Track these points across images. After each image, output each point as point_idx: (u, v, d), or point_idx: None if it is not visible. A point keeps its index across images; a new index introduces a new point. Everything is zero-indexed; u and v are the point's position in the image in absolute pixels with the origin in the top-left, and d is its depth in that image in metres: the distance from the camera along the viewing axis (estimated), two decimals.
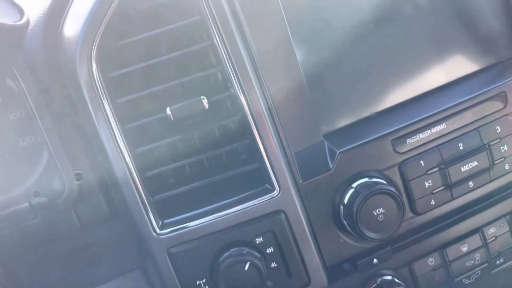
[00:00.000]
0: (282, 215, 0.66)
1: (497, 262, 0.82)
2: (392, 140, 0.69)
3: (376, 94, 0.74)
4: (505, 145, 0.72)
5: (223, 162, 0.66)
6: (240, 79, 0.64)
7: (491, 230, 0.82)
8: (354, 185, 0.68)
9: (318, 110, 0.70)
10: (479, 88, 0.72)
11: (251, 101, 0.64)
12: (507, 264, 0.83)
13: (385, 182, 0.68)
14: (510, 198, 0.83)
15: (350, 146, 0.68)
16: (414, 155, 0.70)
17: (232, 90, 0.64)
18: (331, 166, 0.68)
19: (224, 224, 0.65)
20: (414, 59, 0.75)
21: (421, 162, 0.70)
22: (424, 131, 0.70)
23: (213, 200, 0.66)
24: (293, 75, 0.67)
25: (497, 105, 0.72)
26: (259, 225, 0.65)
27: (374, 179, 0.68)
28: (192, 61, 0.64)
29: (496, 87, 0.72)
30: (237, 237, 0.65)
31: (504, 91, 0.72)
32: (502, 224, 0.82)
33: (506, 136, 0.72)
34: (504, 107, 0.72)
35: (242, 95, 0.64)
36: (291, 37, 0.66)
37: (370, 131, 0.70)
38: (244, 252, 0.63)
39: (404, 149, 0.69)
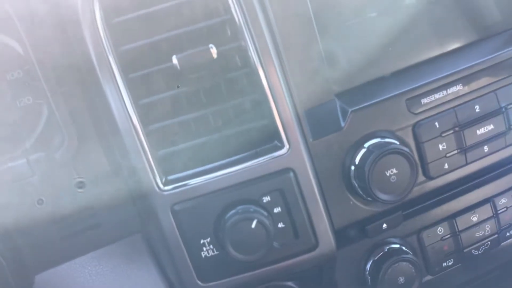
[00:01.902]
0: (291, 173, 0.63)
1: (507, 234, 0.80)
2: (406, 100, 0.66)
3: (391, 55, 0.71)
4: None
5: (231, 118, 0.63)
6: (251, 30, 0.61)
7: (502, 201, 0.79)
8: (366, 144, 0.65)
9: (331, 69, 0.67)
10: (497, 49, 0.70)
11: (262, 53, 0.61)
12: None
13: (398, 143, 0.65)
14: None
15: (363, 105, 0.66)
16: (429, 116, 0.67)
17: (242, 42, 0.61)
18: (342, 124, 0.65)
19: (231, 182, 0.62)
20: (431, 21, 0.72)
21: (436, 123, 0.67)
22: (439, 91, 0.67)
23: (219, 156, 0.63)
24: (306, 32, 0.64)
25: None
26: (267, 183, 0.63)
27: (386, 139, 0.65)
28: (200, 9, 0.61)
29: None
30: (244, 196, 0.62)
31: None
32: None
33: None
34: None
35: (252, 46, 0.61)
36: None
37: (384, 91, 0.67)
38: (251, 209, 0.61)
39: (418, 109, 0.67)
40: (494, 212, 0.79)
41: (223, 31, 0.62)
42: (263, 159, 0.63)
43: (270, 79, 0.62)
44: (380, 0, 0.71)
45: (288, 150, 0.63)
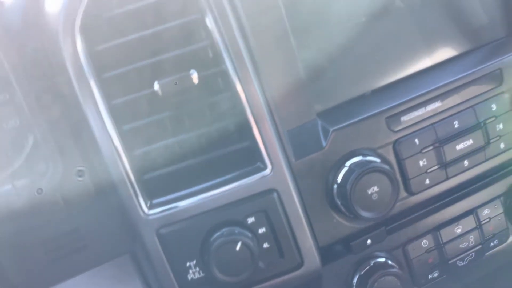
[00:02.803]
0: (275, 194, 0.64)
1: (491, 244, 0.81)
2: (386, 118, 0.68)
3: (371, 72, 0.72)
4: (501, 124, 0.71)
5: (215, 140, 0.64)
6: (232, 55, 0.62)
7: (485, 212, 0.81)
8: (348, 163, 0.66)
9: (312, 88, 0.68)
10: (475, 65, 0.71)
11: (242, 77, 0.62)
12: (501, 246, 0.82)
13: (379, 161, 0.66)
14: (504, 179, 0.82)
15: (344, 124, 0.67)
16: (409, 133, 0.69)
17: (223, 66, 0.62)
18: (324, 144, 0.66)
19: (215, 204, 0.63)
20: (410, 37, 0.74)
21: (416, 140, 0.68)
22: (418, 108, 0.69)
23: (204, 179, 0.64)
24: (286, 53, 0.65)
25: (492, 82, 0.71)
26: (251, 204, 0.64)
27: (368, 158, 0.67)
28: (182, 34, 0.62)
29: (491, 64, 0.71)
30: (228, 217, 0.63)
31: (500, 69, 0.71)
32: (496, 206, 0.81)
33: (501, 114, 0.71)
34: (500, 85, 0.71)
35: (233, 70, 0.62)
36: (285, 14, 0.64)
37: (364, 109, 0.68)
38: (236, 231, 0.62)
39: (398, 127, 0.68)
40: (477, 223, 0.80)
41: (205, 56, 0.63)
42: (247, 181, 0.63)
43: (251, 101, 0.63)
44: (362, 16, 0.72)
45: (271, 171, 0.64)
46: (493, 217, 0.81)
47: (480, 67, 0.71)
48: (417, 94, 0.69)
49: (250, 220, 0.64)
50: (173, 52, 0.61)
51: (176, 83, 0.60)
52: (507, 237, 0.83)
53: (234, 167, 0.64)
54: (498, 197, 0.81)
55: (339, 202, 0.67)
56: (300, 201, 0.66)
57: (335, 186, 0.66)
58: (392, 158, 0.69)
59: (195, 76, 0.61)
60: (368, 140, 0.67)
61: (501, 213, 0.81)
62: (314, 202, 0.67)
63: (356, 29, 0.71)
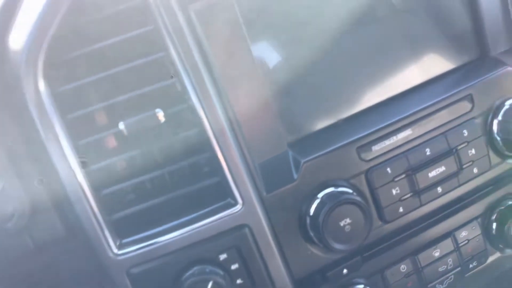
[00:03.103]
0: (246, 229, 0.64)
1: (470, 265, 0.81)
2: (357, 148, 0.67)
3: (342, 100, 0.72)
4: (473, 149, 0.71)
5: (185, 176, 0.64)
6: (198, 90, 0.61)
7: (463, 234, 0.80)
8: (320, 195, 0.66)
9: (282, 119, 0.68)
10: (445, 91, 0.71)
11: (209, 112, 0.61)
12: (480, 267, 0.82)
13: (351, 191, 0.66)
14: (481, 201, 0.82)
15: (315, 155, 0.66)
16: (381, 162, 0.68)
17: (189, 102, 0.62)
18: (295, 176, 0.66)
19: (186, 241, 0.62)
20: (380, 64, 0.74)
21: (388, 169, 0.68)
22: (389, 137, 0.68)
23: (175, 216, 0.63)
24: (254, 83, 0.65)
25: (463, 108, 0.71)
26: (223, 241, 0.63)
27: (340, 189, 0.66)
28: (146, 72, 0.61)
29: (462, 89, 0.71)
30: (200, 255, 0.62)
31: (471, 94, 0.71)
32: (474, 227, 0.81)
33: (473, 139, 0.71)
34: (471, 110, 0.71)
35: (200, 106, 0.61)
36: (250, 44, 0.63)
37: (335, 139, 0.68)
38: (207, 270, 0.61)
39: (369, 156, 0.68)
40: (455, 246, 0.79)
41: (171, 93, 0.62)
42: (218, 217, 0.63)
43: (219, 136, 0.62)
44: (329, 45, 0.72)
45: (242, 207, 0.63)
46: (471, 238, 0.80)
47: (451, 92, 0.70)
48: (387, 123, 0.68)
49: (222, 256, 0.63)
50: (138, 91, 0.60)
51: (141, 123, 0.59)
52: (486, 258, 0.82)
53: (205, 204, 0.63)
54: (475, 218, 0.81)
55: (312, 234, 0.66)
56: (272, 235, 0.65)
57: (308, 218, 0.66)
58: (365, 188, 0.68)
59: (161, 115, 0.60)
60: (340, 170, 0.67)
61: (479, 234, 0.81)
62: (288, 235, 0.66)
63: (326, 57, 0.71)
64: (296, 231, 0.67)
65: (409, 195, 0.69)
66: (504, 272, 0.87)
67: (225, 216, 0.63)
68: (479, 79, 0.71)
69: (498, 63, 0.73)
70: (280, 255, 0.66)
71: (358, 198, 0.64)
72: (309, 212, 0.66)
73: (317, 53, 0.71)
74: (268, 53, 0.69)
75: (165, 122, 0.60)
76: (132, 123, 0.59)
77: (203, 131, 0.61)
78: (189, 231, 0.62)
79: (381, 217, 0.69)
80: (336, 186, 0.67)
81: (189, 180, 0.63)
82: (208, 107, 0.61)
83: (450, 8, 0.77)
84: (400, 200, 0.69)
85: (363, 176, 0.68)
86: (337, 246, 0.64)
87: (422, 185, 0.69)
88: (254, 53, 0.64)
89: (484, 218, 0.82)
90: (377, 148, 0.68)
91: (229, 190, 0.63)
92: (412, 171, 0.69)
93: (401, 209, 0.69)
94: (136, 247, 0.62)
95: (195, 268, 0.61)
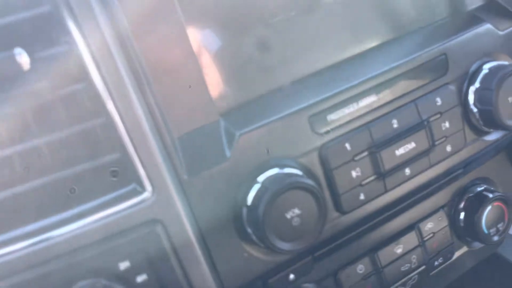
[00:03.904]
0: (159, 226, 0.46)
1: (436, 263, 0.70)
2: (310, 117, 0.52)
3: (290, 58, 0.56)
4: (447, 122, 0.58)
5: (70, 151, 0.45)
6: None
7: (428, 226, 0.69)
8: (260, 178, 0.49)
9: (214, 80, 0.51)
10: (416, 50, 0.57)
11: (100, 55, 0.43)
12: (446, 264, 0.70)
13: (301, 173, 0.50)
14: (448, 187, 0.70)
15: (255, 126, 0.50)
16: (338, 137, 0.53)
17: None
18: (228, 154, 0.49)
19: (69, 246, 0.43)
20: (335, 17, 0.58)
21: (347, 145, 0.53)
22: (349, 104, 0.53)
23: (51, 210, 0.44)
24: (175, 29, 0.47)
25: (436, 71, 0.58)
26: (124, 243, 0.45)
27: (286, 170, 0.50)
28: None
29: (435, 48, 0.57)
30: (91, 263, 0.44)
31: (445, 53, 0.58)
32: (440, 218, 0.70)
33: (447, 110, 0.58)
34: (445, 74, 0.58)
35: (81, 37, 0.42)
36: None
37: (282, 106, 0.52)
38: (98, 286, 0.42)
39: (324, 128, 0.52)
40: (420, 240, 0.68)
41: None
42: (117, 210, 0.44)
43: (116, 92, 0.44)
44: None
45: (151, 195, 0.45)
46: (437, 231, 0.69)
47: (422, 51, 0.57)
48: (346, 86, 0.53)
49: (124, 265, 0.45)
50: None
51: None
52: (452, 254, 0.72)
53: (98, 192, 0.45)
54: (442, 207, 0.70)
55: (250, 231, 0.50)
56: (196, 233, 0.48)
57: (245, 209, 0.49)
58: (318, 169, 0.53)
59: (24, 58, 0.41)
60: (286, 146, 0.51)
61: (445, 226, 0.70)
62: (217, 233, 0.49)
63: (277, 17, 0.55)
64: (228, 227, 0.50)
65: (372, 178, 0.55)
66: (469, 271, 0.76)
67: (127, 209, 0.45)
68: (454, 37, 0.58)
69: (475, 19, 0.61)
70: (206, 261, 0.49)
71: (310, 182, 0.49)
72: (246, 202, 0.49)
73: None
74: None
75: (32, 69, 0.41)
76: None
77: (91, 83, 0.43)
78: (72, 230, 0.43)
79: (337, 206, 0.55)
80: (281, 166, 0.51)
81: (75, 157, 0.44)
82: (96, 44, 0.43)
83: None
84: (360, 184, 0.55)
85: (315, 154, 0.53)
86: (283, 245, 0.49)
87: (387, 165, 0.55)
88: None
89: (451, 207, 0.71)
90: (334, 117, 0.53)
91: (133, 171, 0.45)
92: (376, 148, 0.54)
93: (361, 196, 0.55)
94: None
95: (82, 284, 0.43)
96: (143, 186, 0.45)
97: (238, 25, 0.54)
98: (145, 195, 0.45)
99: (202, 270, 0.48)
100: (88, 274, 0.43)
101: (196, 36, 0.52)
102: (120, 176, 0.45)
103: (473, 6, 0.62)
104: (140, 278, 0.46)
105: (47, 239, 0.42)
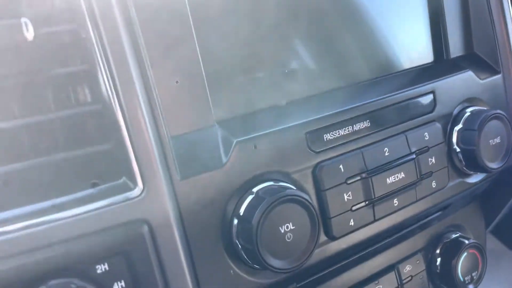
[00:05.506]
0: (145, 227, 0.42)
1: None
2: (307, 133, 0.51)
3: (292, 80, 0.57)
4: (433, 157, 0.59)
5: (57, 137, 0.41)
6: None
7: (407, 268, 0.68)
8: (255, 189, 0.47)
9: (214, 89, 0.50)
10: (407, 85, 0.60)
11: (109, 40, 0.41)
12: None
13: (294, 188, 0.49)
14: (425, 230, 0.71)
15: (252, 135, 0.49)
16: (333, 157, 0.53)
17: None
18: (224, 160, 0.47)
19: (44, 240, 0.38)
20: (342, 48, 0.60)
21: (341, 166, 0.53)
22: (344, 126, 0.54)
23: (29, 198, 0.39)
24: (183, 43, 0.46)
25: (425, 107, 0.60)
26: (104, 242, 0.40)
27: (281, 183, 0.49)
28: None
29: (425, 84, 0.60)
30: (65, 261, 0.39)
31: (433, 91, 0.60)
32: (418, 261, 0.69)
33: (434, 146, 0.59)
34: (432, 111, 0.60)
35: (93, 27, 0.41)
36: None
37: (279, 121, 0.51)
38: (73, 287, 0.37)
39: (320, 147, 0.52)
40: (399, 283, 0.66)
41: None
42: (101, 205, 0.40)
43: (118, 75, 0.42)
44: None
45: (142, 192, 0.42)
46: (414, 275, 0.68)
47: (413, 87, 0.59)
48: (342, 109, 0.54)
49: (101, 268, 0.40)
50: None
51: None
52: None
53: (84, 182, 0.41)
54: (419, 251, 0.70)
55: (239, 245, 0.46)
56: (183, 240, 0.44)
57: (236, 219, 0.46)
58: (310, 187, 0.52)
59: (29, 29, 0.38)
60: (282, 160, 0.50)
61: (422, 270, 0.69)
62: (204, 244, 0.46)
63: (274, 29, 0.56)
64: (217, 238, 0.46)
65: (362, 204, 0.54)
66: None
67: (113, 204, 0.41)
68: (441, 78, 0.62)
69: (457, 66, 0.65)
70: (189, 273, 0.44)
71: (305, 196, 0.47)
72: (238, 212, 0.47)
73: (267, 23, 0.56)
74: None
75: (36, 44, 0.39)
76: None
77: (93, 64, 0.41)
78: (49, 222, 0.38)
79: (327, 231, 0.53)
80: (276, 180, 0.49)
81: (62, 144, 0.41)
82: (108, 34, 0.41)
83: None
84: (351, 209, 0.53)
85: (309, 172, 0.51)
86: (275, 262, 0.45)
87: (378, 192, 0.55)
88: None
89: (428, 252, 0.71)
90: (330, 137, 0.53)
91: (125, 164, 0.42)
92: (368, 174, 0.54)
93: (351, 222, 0.53)
94: None
95: (52, 283, 0.37)
96: (134, 180, 0.42)
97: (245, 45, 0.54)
98: (135, 191, 0.42)
99: (184, 283, 0.44)
100: (62, 273, 0.38)
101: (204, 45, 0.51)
102: (110, 168, 0.42)
103: (456, 55, 0.67)
104: (117, 285, 0.40)
105: (15, 230, 0.37)
